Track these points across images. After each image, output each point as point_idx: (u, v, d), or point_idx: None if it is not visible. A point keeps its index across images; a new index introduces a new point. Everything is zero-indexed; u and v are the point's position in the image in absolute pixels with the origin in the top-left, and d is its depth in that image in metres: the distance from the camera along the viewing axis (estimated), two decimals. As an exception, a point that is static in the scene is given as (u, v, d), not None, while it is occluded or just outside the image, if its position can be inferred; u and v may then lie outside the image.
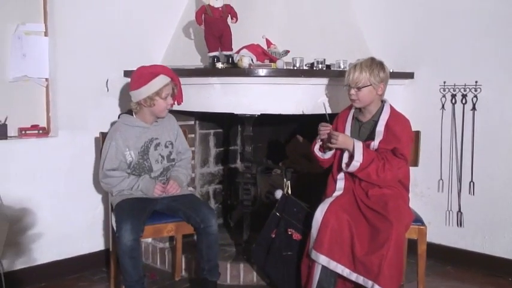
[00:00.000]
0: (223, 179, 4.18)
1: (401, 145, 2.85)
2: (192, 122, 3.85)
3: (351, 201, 2.88)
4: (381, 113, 2.92)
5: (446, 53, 3.61)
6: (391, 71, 3.05)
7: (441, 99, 3.65)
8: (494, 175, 3.48)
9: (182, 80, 3.13)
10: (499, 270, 3.47)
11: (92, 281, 3.42)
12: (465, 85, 3.55)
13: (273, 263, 3.09)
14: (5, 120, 3.21)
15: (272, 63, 3.18)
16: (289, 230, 3.06)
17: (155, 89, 2.95)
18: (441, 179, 3.69)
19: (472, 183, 3.56)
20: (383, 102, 2.97)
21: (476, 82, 3.50)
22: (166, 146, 3.12)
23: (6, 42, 3.24)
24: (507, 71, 3.39)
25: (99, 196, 3.59)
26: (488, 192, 3.51)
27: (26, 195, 3.23)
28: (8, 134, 3.22)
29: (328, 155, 3.01)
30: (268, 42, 3.25)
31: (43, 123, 3.41)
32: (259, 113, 3.19)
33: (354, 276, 2.73)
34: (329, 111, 3.19)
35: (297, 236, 3.04)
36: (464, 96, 3.56)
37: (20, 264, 3.25)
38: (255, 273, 3.32)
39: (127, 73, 3.49)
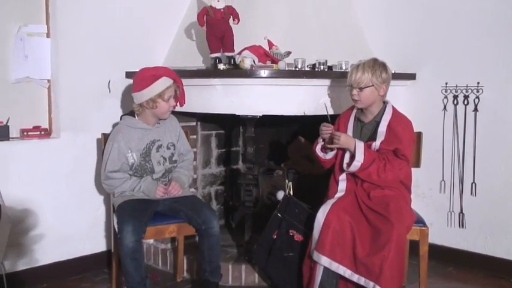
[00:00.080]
0: (225, 180, 4.18)
1: (402, 146, 2.85)
2: (194, 123, 3.85)
3: (352, 202, 2.87)
4: (383, 113, 2.93)
5: (448, 54, 3.61)
6: (393, 72, 3.05)
7: (443, 100, 3.65)
8: (496, 176, 3.48)
9: (184, 81, 3.12)
10: (501, 271, 3.46)
11: (93, 282, 3.42)
12: (467, 86, 3.55)
13: (274, 264, 3.09)
14: (7, 121, 3.22)
15: (274, 65, 3.18)
16: (290, 231, 3.07)
17: (157, 91, 2.94)
18: (443, 180, 3.68)
19: (474, 184, 3.56)
20: (385, 103, 2.97)
21: (478, 83, 3.50)
22: (168, 148, 3.12)
23: (8, 44, 3.25)
24: (509, 72, 3.39)
25: (101, 197, 3.59)
26: (490, 193, 3.50)
27: (28, 196, 3.24)
28: (10, 135, 3.22)
29: (330, 155, 3.01)
30: (270, 44, 3.26)
31: (45, 125, 3.41)
32: (261, 114, 3.19)
33: (355, 278, 2.73)
34: (331, 112, 3.19)
35: (298, 237, 3.04)
36: (466, 97, 3.56)
37: (22, 265, 3.25)
38: (256, 275, 3.32)
39: (129, 74, 3.49)
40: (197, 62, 3.63)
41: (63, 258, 3.43)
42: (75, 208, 3.46)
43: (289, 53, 3.24)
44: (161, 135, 3.11)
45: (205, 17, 3.23)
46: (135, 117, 3.08)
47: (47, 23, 3.36)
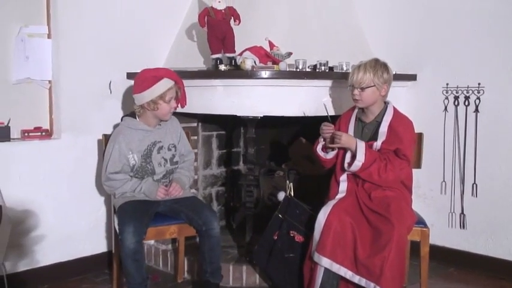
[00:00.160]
0: (226, 181, 4.18)
1: (403, 146, 2.85)
2: (195, 124, 3.85)
3: (353, 203, 2.87)
4: (384, 113, 2.93)
5: (449, 55, 3.60)
6: (394, 72, 3.05)
7: (444, 101, 3.65)
8: (497, 177, 3.48)
9: (185, 82, 3.12)
10: (502, 272, 3.46)
11: (94, 283, 3.42)
12: (468, 87, 3.54)
13: (275, 265, 3.09)
14: (8, 122, 3.22)
15: (275, 65, 3.18)
16: (291, 232, 3.06)
17: (159, 92, 2.94)
18: (444, 180, 3.68)
19: (474, 185, 3.56)
20: (386, 103, 2.97)
21: (479, 84, 3.50)
22: (169, 149, 3.12)
23: (9, 45, 3.25)
24: (510, 73, 3.38)
25: (102, 198, 3.59)
26: (491, 194, 3.50)
27: (29, 197, 3.24)
28: (11, 136, 3.23)
29: (331, 155, 3.01)
30: (271, 44, 3.26)
31: (46, 125, 3.41)
32: (262, 115, 3.19)
33: (356, 279, 2.73)
34: (331, 112, 3.19)
35: (299, 238, 3.04)
36: (467, 98, 3.56)
37: (22, 266, 3.25)
38: (257, 275, 3.32)
39: (130, 75, 3.49)
40: (198, 63, 3.63)
41: (64, 259, 3.43)
42: (76, 209, 3.46)
43: (290, 53, 3.24)
44: (162, 137, 3.10)
45: (206, 17, 3.23)
46: (136, 118, 3.08)
47: (48, 24, 3.36)
